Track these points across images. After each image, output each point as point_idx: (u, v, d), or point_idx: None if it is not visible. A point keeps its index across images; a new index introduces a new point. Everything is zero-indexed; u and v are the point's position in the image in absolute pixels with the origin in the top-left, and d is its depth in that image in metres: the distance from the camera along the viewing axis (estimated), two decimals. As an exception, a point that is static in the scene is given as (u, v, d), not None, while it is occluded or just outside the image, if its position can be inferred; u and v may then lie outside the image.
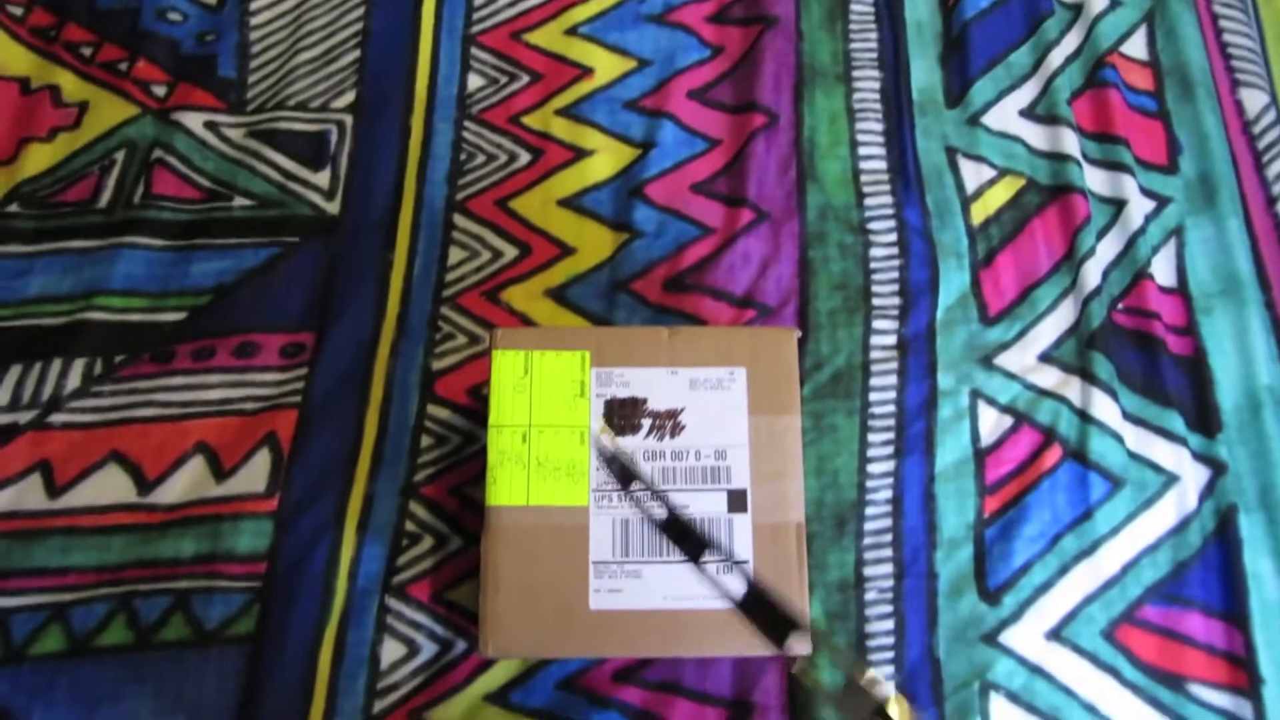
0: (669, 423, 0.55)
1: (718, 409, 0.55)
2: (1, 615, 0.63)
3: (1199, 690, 0.63)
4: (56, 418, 0.68)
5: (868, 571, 0.65)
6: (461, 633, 0.63)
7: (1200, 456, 0.69)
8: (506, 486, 0.54)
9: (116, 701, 0.61)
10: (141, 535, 0.65)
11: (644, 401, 0.55)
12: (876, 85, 0.80)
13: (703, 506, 0.54)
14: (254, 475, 0.66)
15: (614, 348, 0.56)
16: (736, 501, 0.54)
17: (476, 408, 0.68)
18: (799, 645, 0.52)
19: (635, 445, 0.54)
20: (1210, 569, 0.66)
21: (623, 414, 0.55)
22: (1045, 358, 0.71)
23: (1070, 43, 0.82)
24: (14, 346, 0.70)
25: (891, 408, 0.69)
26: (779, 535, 0.54)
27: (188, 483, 0.66)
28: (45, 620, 0.63)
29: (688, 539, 0.52)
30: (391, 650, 0.63)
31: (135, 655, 0.62)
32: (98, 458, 0.67)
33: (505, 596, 0.52)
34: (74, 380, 0.69)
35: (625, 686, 0.62)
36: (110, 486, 0.66)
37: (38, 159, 0.76)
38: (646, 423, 0.55)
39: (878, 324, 0.72)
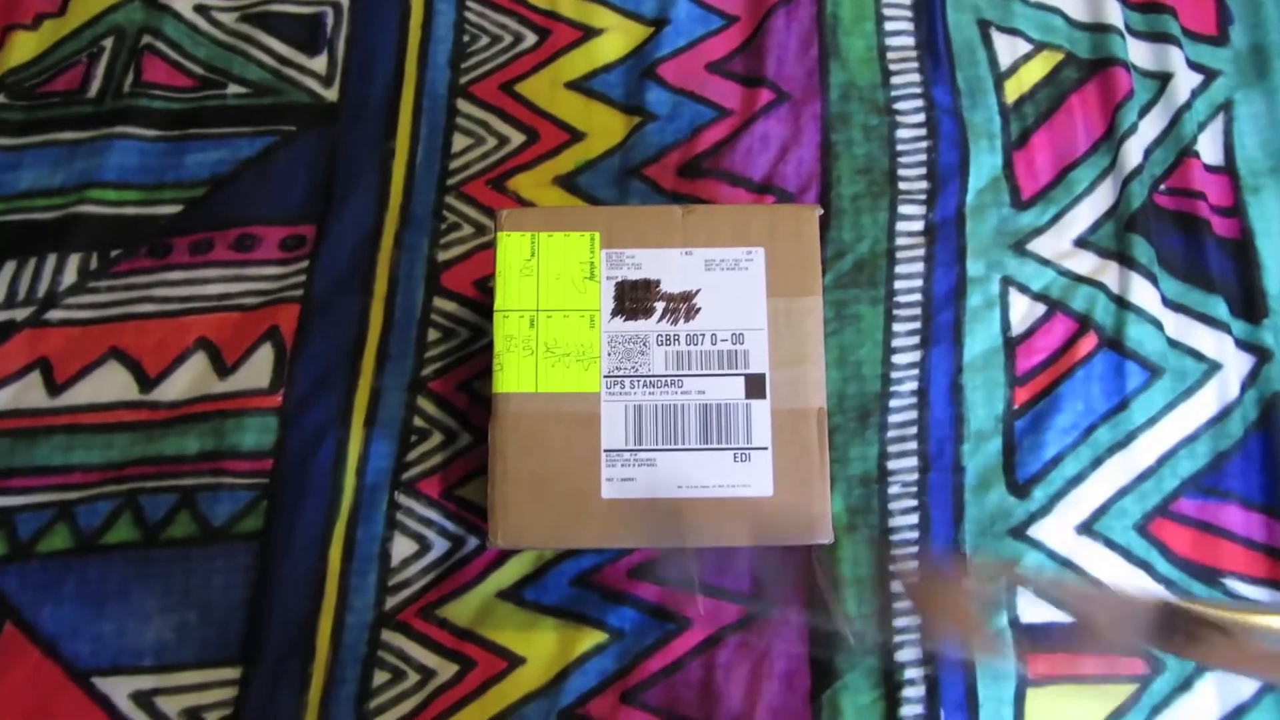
0: (683, 305, 0.52)
1: (734, 291, 0.52)
2: (7, 513, 0.62)
3: (1235, 584, 0.61)
4: (54, 314, 0.66)
5: (891, 465, 0.63)
6: (473, 529, 0.62)
7: (1244, 343, 0.65)
8: (514, 373, 0.51)
9: (124, 598, 0.60)
10: (145, 433, 0.63)
11: (657, 284, 0.53)
12: (904, -45, 0.75)
13: (719, 392, 0.51)
14: (257, 371, 0.64)
15: (625, 228, 0.53)
16: (755, 386, 0.52)
17: (484, 300, 0.66)
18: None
19: (648, 329, 0.52)
20: (1251, 460, 0.63)
21: (634, 297, 0.52)
22: (1081, 242, 0.68)
23: (1113, -95, 0.76)
24: (7, 242, 0.68)
25: (918, 296, 0.66)
26: (799, 421, 0.51)
27: (190, 379, 0.64)
28: (51, 518, 0.62)
29: None
30: (402, 547, 0.61)
31: (142, 552, 0.61)
32: (97, 355, 0.65)
33: (514, 485, 0.51)
34: (70, 276, 0.67)
35: (641, 582, 0.60)
36: (111, 384, 0.64)
37: (23, 47, 0.73)
38: (660, 306, 0.52)
39: (904, 209, 0.68)
